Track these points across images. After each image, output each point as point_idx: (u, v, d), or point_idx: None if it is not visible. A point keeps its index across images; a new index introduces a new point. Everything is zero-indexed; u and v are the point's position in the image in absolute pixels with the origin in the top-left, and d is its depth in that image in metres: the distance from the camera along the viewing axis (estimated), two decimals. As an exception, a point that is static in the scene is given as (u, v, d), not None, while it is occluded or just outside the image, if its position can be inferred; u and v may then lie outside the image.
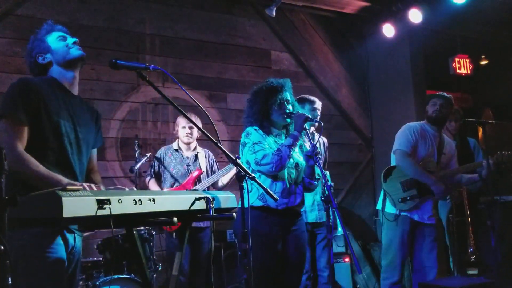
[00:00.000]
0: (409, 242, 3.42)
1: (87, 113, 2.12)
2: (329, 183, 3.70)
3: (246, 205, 2.07)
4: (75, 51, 2.03)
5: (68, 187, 1.40)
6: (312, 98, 3.82)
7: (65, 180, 1.79)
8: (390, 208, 3.47)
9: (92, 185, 1.75)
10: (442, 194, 3.34)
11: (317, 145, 3.77)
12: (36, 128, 1.85)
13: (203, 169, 4.00)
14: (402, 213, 3.41)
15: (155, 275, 3.55)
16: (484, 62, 6.90)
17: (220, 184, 4.03)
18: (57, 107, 1.92)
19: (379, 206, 3.58)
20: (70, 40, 2.04)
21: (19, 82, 1.88)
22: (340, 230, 3.78)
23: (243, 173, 2.04)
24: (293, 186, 2.73)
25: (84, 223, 1.55)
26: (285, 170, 2.69)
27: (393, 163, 3.57)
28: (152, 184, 4.01)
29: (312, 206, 3.69)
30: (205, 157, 4.10)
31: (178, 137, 4.08)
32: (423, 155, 3.45)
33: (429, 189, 3.37)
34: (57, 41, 2.02)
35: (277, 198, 2.27)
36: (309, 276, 3.75)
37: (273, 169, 2.58)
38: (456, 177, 3.55)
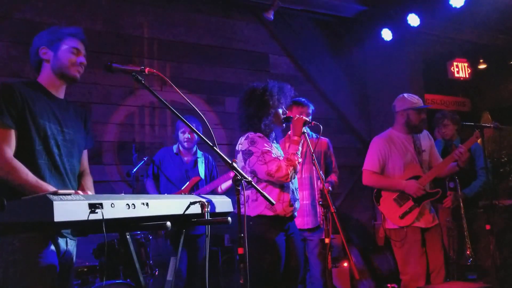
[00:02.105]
0: (423, 250, 3.33)
1: (74, 114, 2.10)
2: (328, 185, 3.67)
3: (242, 210, 2.05)
4: (74, 72, 2.01)
5: (60, 191, 1.38)
6: (306, 101, 3.71)
7: (53, 189, 1.76)
8: (394, 226, 3.39)
9: (80, 192, 1.73)
10: (417, 191, 3.28)
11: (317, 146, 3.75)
12: (22, 131, 1.83)
13: (202, 175, 3.94)
14: (410, 224, 3.32)
15: (151, 280, 3.51)
16: (482, 66, 6.90)
17: (219, 190, 3.98)
18: (41, 110, 1.90)
19: (386, 225, 3.46)
20: (80, 59, 2.02)
21: (2, 86, 1.86)
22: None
23: (239, 177, 2.02)
24: (294, 192, 2.76)
25: (76, 227, 1.53)
26: None
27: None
28: (150, 186, 3.97)
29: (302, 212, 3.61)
30: (205, 162, 4.05)
31: (178, 141, 4.03)
32: (403, 162, 3.39)
33: (424, 194, 3.31)
34: (68, 51, 1.99)
35: (274, 202, 2.25)
36: (303, 279, 3.71)
37: (288, 180, 2.59)
38: (445, 170, 3.47)
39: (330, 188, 3.70)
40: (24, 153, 1.82)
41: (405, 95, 3.53)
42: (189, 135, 3.89)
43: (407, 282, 3.33)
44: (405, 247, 3.31)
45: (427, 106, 3.57)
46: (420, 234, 3.32)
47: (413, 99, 3.47)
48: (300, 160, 2.65)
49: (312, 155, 2.67)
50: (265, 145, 2.63)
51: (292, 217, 2.75)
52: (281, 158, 2.64)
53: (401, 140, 3.45)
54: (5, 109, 1.79)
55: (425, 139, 3.55)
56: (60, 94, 2.05)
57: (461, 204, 3.87)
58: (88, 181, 2.14)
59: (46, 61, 2.00)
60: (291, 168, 2.55)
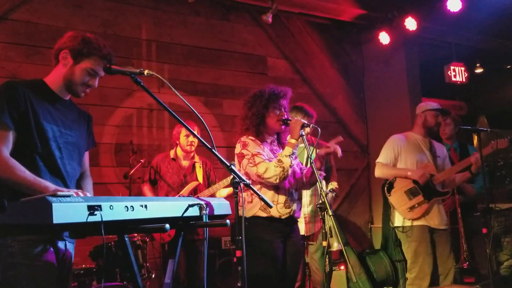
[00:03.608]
0: (431, 249, 3.45)
1: (77, 116, 2.08)
2: (329, 190, 3.71)
3: (240, 212, 2.05)
4: (80, 91, 1.98)
5: (59, 193, 1.37)
6: (311, 111, 3.73)
7: (52, 186, 1.75)
8: (406, 221, 3.49)
9: (80, 192, 1.72)
10: (421, 176, 3.43)
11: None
12: (24, 132, 1.81)
13: (200, 179, 3.92)
14: (417, 223, 3.44)
15: (148, 283, 3.50)
16: (479, 70, 6.94)
17: (218, 195, 3.97)
18: (44, 111, 1.88)
19: (393, 223, 3.60)
20: (92, 82, 1.97)
21: (5, 85, 1.83)
22: (335, 245, 3.73)
23: (237, 179, 2.02)
24: (293, 194, 2.72)
25: (75, 229, 1.52)
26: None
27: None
28: (147, 190, 3.95)
29: (310, 218, 3.63)
30: (202, 166, 4.02)
31: (176, 145, 3.97)
32: (416, 160, 3.54)
33: (435, 191, 3.45)
34: (85, 70, 1.94)
35: (272, 205, 2.25)
36: (299, 286, 3.72)
37: (277, 181, 2.56)
38: (452, 177, 3.62)
39: (333, 195, 3.74)
40: (25, 155, 1.80)
41: (426, 102, 3.83)
42: (193, 139, 3.85)
43: (412, 280, 3.43)
44: (413, 244, 3.43)
45: (443, 109, 3.76)
46: (428, 233, 3.43)
47: (432, 103, 3.74)
48: (293, 163, 2.64)
49: (310, 158, 2.68)
50: (256, 147, 2.65)
51: (291, 220, 2.71)
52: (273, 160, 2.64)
53: (417, 141, 3.64)
54: (6, 108, 1.77)
55: (442, 149, 3.76)
56: (65, 95, 2.03)
57: (458, 208, 3.89)
58: (88, 184, 2.12)
59: (62, 65, 1.95)
60: (280, 169, 2.54)
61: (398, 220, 3.54)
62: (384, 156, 3.62)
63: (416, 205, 3.43)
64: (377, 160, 3.67)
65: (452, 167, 3.59)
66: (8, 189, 1.72)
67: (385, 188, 3.62)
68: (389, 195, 3.57)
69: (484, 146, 3.53)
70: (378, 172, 3.64)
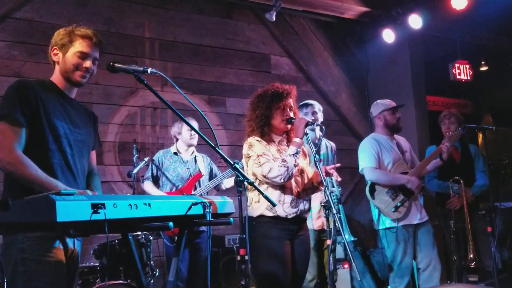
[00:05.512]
0: (411, 249, 3.52)
1: (84, 115, 2.12)
2: (334, 190, 3.72)
3: (244, 211, 2.05)
4: (77, 77, 1.97)
5: (62, 191, 1.37)
6: (310, 102, 3.78)
7: (62, 186, 1.78)
8: (389, 223, 3.56)
9: (88, 192, 1.73)
10: (418, 188, 3.50)
11: (322, 149, 3.75)
12: (35, 129, 1.85)
13: (203, 172, 3.97)
14: (401, 223, 3.51)
15: (152, 281, 3.51)
16: (484, 68, 6.90)
17: (223, 188, 4.03)
18: (54, 109, 1.92)
19: (377, 225, 3.66)
20: (86, 63, 1.96)
21: (18, 84, 1.87)
22: (348, 236, 3.72)
23: (241, 178, 2.01)
24: (301, 193, 2.71)
25: (79, 228, 1.52)
26: (292, 179, 2.67)
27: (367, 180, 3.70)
28: (150, 187, 3.95)
29: (318, 213, 3.64)
30: (204, 160, 4.08)
31: (177, 140, 4.04)
32: (391, 160, 3.61)
33: (410, 188, 3.50)
34: (74, 55, 1.96)
35: (276, 204, 2.25)
36: (316, 282, 3.71)
37: (282, 181, 2.56)
38: (427, 168, 3.68)
39: (339, 189, 3.74)
40: (38, 152, 1.83)
41: (378, 101, 3.81)
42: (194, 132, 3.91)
43: (393, 278, 3.58)
44: (393, 245, 3.52)
45: (399, 106, 3.77)
46: (409, 233, 3.51)
47: (386, 101, 3.76)
48: (297, 162, 2.63)
49: (315, 156, 2.68)
50: (262, 148, 2.65)
51: (298, 219, 2.69)
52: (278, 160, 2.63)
53: (386, 141, 3.69)
54: (19, 106, 1.81)
55: (404, 142, 3.82)
56: (72, 94, 2.06)
57: (465, 206, 3.88)
58: (96, 181, 2.16)
59: (57, 63, 2.00)
60: (284, 169, 2.53)
61: (382, 222, 3.59)
62: (369, 160, 3.57)
63: (399, 204, 3.50)
64: (365, 165, 3.58)
65: (422, 163, 3.61)
66: (21, 187, 1.75)
67: (369, 191, 3.62)
68: (373, 198, 3.58)
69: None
70: (373, 177, 3.56)
